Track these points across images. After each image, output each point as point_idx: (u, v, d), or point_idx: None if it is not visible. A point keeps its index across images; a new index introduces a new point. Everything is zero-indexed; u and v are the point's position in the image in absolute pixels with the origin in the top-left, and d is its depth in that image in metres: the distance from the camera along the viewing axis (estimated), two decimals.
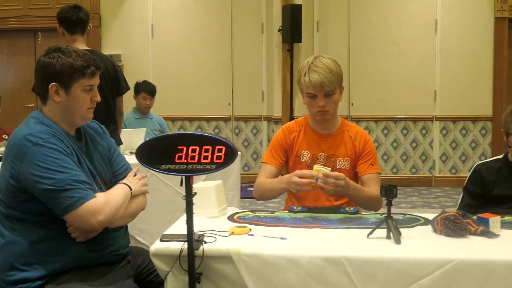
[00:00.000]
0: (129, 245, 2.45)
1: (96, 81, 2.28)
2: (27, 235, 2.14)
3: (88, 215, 2.09)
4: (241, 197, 5.52)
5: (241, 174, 5.26)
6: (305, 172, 2.60)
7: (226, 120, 8.30)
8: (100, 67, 2.28)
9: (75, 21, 3.81)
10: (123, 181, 2.37)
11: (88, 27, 3.92)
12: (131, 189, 2.33)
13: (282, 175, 2.88)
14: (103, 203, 2.14)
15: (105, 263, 2.27)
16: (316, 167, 2.59)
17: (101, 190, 2.28)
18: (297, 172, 2.62)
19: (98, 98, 2.30)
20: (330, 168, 2.63)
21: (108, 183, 2.37)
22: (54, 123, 2.22)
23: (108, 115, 3.89)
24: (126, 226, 2.44)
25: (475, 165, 2.91)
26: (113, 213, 2.17)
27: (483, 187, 2.82)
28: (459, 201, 2.89)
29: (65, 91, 2.20)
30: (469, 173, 2.91)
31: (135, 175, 2.45)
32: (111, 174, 2.41)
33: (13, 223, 2.16)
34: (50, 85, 2.19)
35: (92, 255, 2.22)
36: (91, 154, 2.34)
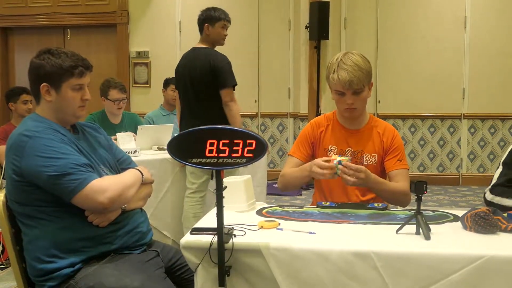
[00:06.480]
0: (159, 240, 2.49)
1: (85, 80, 2.36)
2: (46, 228, 2.22)
3: (95, 193, 2.16)
4: (267, 194, 5.55)
5: (267, 171, 5.28)
6: (324, 164, 2.59)
7: (252, 117, 8.33)
8: (89, 67, 2.36)
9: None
10: (135, 168, 2.50)
11: (204, 26, 4.51)
12: (142, 175, 2.44)
13: None
14: (110, 182, 2.24)
15: (131, 246, 2.34)
16: (334, 156, 2.59)
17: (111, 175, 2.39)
18: (316, 161, 2.62)
19: (88, 96, 2.39)
20: (347, 157, 2.63)
21: (115, 169, 2.47)
22: (48, 120, 2.32)
23: (204, 106, 4.31)
24: (144, 211, 2.51)
25: None
26: (121, 189, 2.25)
27: None
28: (497, 176, 2.62)
29: (56, 91, 2.31)
30: (511, 147, 2.68)
31: None
32: (116, 162, 2.52)
33: (31, 220, 2.23)
34: (41, 85, 2.30)
35: (112, 236, 2.29)
36: (92, 144, 2.44)
